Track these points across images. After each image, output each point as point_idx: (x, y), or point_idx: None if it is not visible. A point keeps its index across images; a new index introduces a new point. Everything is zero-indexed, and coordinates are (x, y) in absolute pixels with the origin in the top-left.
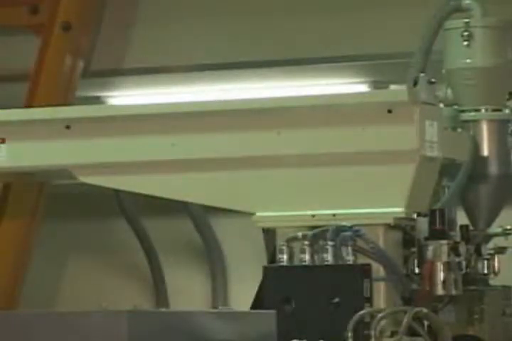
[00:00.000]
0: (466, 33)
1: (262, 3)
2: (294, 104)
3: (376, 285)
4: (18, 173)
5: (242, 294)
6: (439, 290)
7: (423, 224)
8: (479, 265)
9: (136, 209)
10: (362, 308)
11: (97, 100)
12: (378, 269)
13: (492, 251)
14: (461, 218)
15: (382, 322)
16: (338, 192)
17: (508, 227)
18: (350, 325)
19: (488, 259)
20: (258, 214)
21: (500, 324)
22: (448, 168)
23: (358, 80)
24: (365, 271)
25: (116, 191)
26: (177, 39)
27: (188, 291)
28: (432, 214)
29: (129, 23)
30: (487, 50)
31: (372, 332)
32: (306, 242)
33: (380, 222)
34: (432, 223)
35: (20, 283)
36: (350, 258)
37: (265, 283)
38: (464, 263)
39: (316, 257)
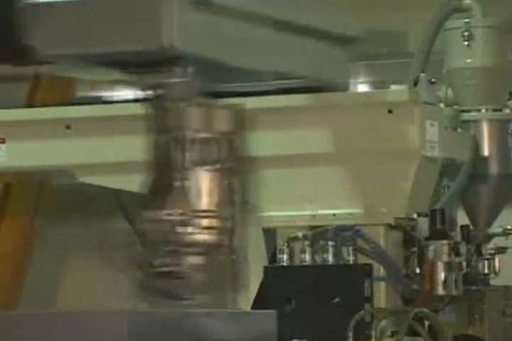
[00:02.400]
0: (466, 33)
1: None
2: (293, 104)
3: (376, 285)
4: (18, 173)
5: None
6: (440, 290)
7: (423, 224)
8: (480, 265)
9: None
10: (362, 308)
11: (97, 100)
12: (379, 269)
13: (492, 251)
14: (462, 218)
15: (383, 322)
16: (338, 192)
17: (509, 227)
18: (351, 325)
19: (488, 259)
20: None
21: (501, 324)
22: (448, 168)
23: (358, 80)
24: (366, 270)
25: (117, 191)
26: None
27: None
28: (432, 214)
29: None
30: (487, 50)
31: (373, 332)
32: (307, 242)
33: (381, 222)
34: (432, 223)
35: (20, 283)
36: (350, 258)
37: (266, 283)
38: (464, 263)
39: (316, 257)
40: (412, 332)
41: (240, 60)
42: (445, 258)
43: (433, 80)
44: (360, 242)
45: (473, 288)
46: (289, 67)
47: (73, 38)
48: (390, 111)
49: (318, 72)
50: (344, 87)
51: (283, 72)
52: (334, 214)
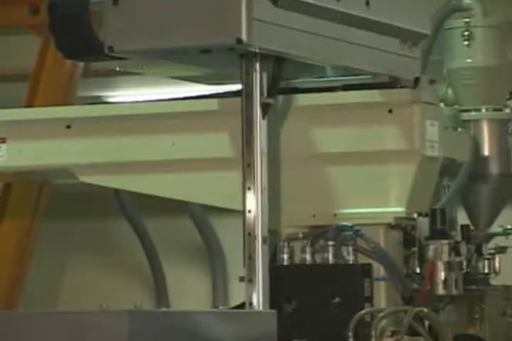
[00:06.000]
0: (466, 33)
1: None
2: (294, 104)
3: (376, 285)
4: (18, 173)
5: (243, 294)
6: (440, 290)
7: (424, 224)
8: (480, 264)
9: (137, 209)
10: (362, 308)
11: (97, 100)
12: (379, 269)
13: (493, 251)
14: (462, 218)
15: (383, 322)
16: (338, 192)
17: (509, 227)
18: (351, 325)
19: (488, 259)
20: None
21: (501, 324)
22: (448, 168)
23: None
24: (366, 270)
25: (117, 191)
26: None
27: (188, 291)
28: (432, 214)
29: None
30: (487, 50)
31: (373, 332)
32: (307, 242)
33: (381, 222)
34: (432, 223)
35: (20, 283)
36: (350, 258)
37: None
38: (464, 263)
39: (316, 257)
40: (413, 332)
41: (311, 55)
42: (445, 257)
43: (433, 80)
44: (360, 242)
45: (474, 287)
46: (358, 63)
47: (146, 34)
48: (390, 111)
49: (387, 68)
50: (411, 83)
51: (352, 68)
52: (335, 214)
